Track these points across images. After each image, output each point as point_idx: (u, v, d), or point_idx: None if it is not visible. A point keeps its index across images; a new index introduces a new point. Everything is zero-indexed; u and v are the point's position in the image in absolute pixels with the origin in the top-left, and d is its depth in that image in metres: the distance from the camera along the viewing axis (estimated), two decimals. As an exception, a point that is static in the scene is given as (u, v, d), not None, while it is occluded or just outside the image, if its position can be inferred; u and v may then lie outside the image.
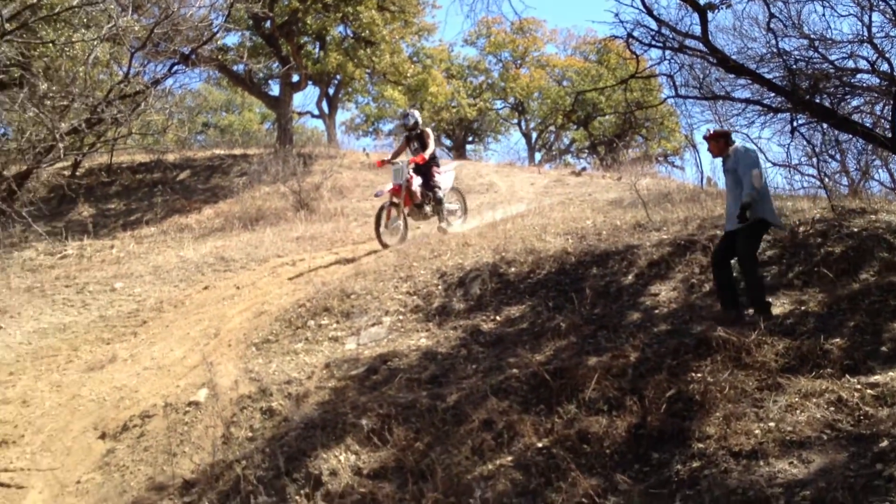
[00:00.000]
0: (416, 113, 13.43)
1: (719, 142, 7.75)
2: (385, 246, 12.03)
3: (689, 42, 9.04)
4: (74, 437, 8.27)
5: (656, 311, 7.78)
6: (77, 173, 20.23)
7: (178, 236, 16.12)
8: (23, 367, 10.06)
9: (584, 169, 23.53)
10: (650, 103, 23.54)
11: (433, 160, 13.21)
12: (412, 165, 12.78)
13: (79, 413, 8.70)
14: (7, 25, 7.67)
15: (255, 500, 6.33)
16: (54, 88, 8.87)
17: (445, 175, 13.40)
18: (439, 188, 12.94)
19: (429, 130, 13.43)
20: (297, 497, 6.34)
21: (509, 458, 6.13)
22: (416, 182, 12.71)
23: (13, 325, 11.72)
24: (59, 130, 7.62)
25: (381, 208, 12.46)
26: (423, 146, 13.12)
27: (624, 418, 6.21)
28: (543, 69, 35.81)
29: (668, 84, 9.58)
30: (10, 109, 7.99)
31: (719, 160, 7.77)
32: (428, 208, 12.95)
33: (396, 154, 13.54)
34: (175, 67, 12.19)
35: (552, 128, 36.81)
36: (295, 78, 23.86)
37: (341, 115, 35.03)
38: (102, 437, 8.20)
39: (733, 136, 7.79)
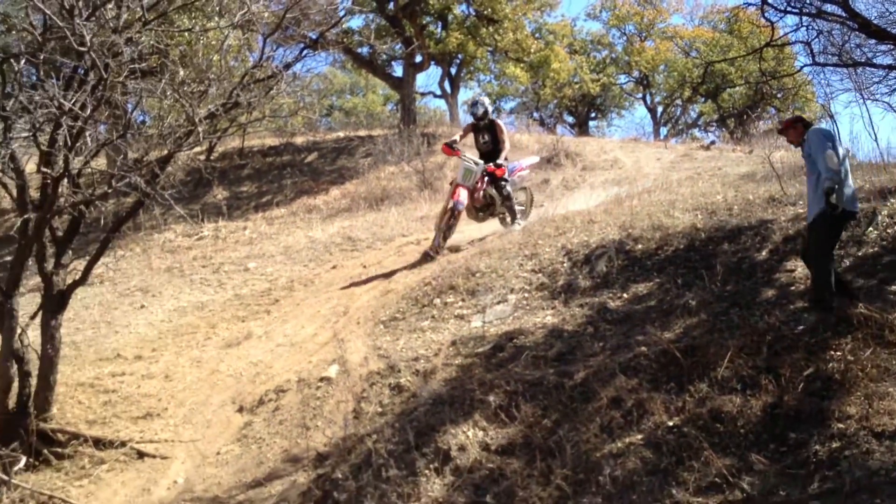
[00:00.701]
0: (486, 101, 12.55)
1: (797, 127, 7.26)
2: (435, 254, 11.36)
3: (827, 7, 8.60)
4: (214, 411, 8.65)
5: (792, 288, 7.48)
6: (211, 157, 21.06)
7: (306, 217, 16.57)
8: (165, 343, 10.59)
9: (712, 143, 22.82)
10: (784, 72, 22.55)
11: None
12: (486, 171, 11.83)
13: (217, 387, 9.09)
14: (147, 15, 8.01)
15: (386, 474, 6.47)
16: (191, 75, 9.22)
17: (521, 173, 12.74)
18: (507, 182, 12.11)
19: (501, 123, 12.58)
20: (427, 471, 6.45)
21: (639, 437, 6.05)
22: (484, 187, 11.90)
23: (155, 303, 12.35)
24: (198, 115, 7.91)
25: (446, 212, 11.61)
26: (495, 140, 12.24)
27: (759, 397, 6.03)
28: (670, 41, 34.82)
29: (804, 52, 9.14)
30: (152, 96, 8.34)
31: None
32: (482, 213, 12.19)
33: (461, 138, 12.58)
34: (304, 52, 12.48)
35: (679, 101, 35.81)
36: (418, 58, 24.03)
37: (463, 95, 35.19)
38: (240, 410, 8.55)
39: (808, 118, 7.33)
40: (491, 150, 12.24)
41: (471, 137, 12.66)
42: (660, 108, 37.09)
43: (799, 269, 7.70)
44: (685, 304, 7.59)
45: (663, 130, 35.61)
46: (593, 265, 8.90)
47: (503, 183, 12.00)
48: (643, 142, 24.09)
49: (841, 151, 6.92)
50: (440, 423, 6.83)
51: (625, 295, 8.21)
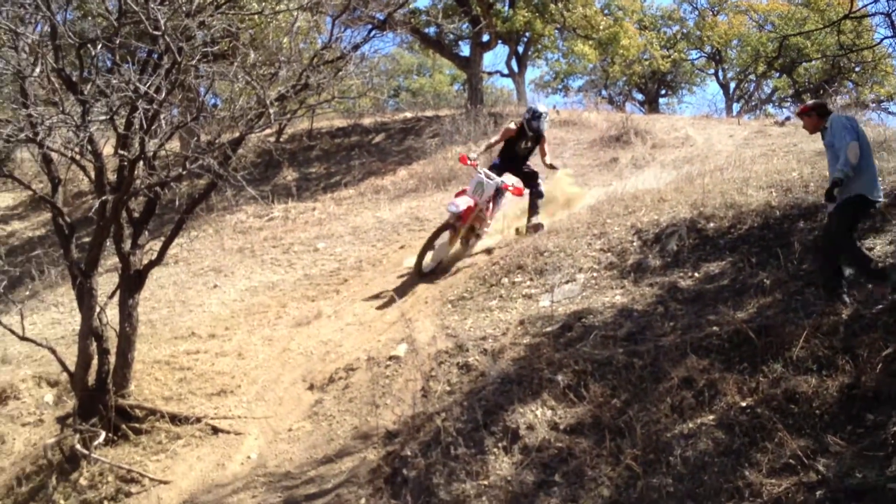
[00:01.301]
0: (546, 111, 11.65)
1: (812, 116, 7.07)
2: (419, 274, 10.75)
3: (909, -24, 8.28)
4: (285, 388, 8.81)
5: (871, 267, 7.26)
6: (281, 139, 21.33)
7: (374, 198, 16.67)
8: (237, 322, 10.81)
9: (787, 119, 22.17)
10: (863, 45, 21.81)
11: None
12: (502, 188, 10.88)
13: (289, 365, 9.26)
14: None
15: (455, 451, 6.51)
16: (261, 58, 9.34)
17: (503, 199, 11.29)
18: (540, 184, 11.45)
19: (546, 135, 11.72)
20: (496, 449, 6.47)
21: (711, 417, 5.97)
22: (490, 208, 10.99)
23: (227, 283, 12.60)
24: (269, 98, 8.02)
25: (441, 228, 10.82)
26: (533, 149, 11.59)
27: (835, 378, 5.89)
28: (743, 15, 33.94)
29: (884, 24, 8.83)
30: (224, 79, 8.47)
31: None
32: (461, 239, 10.97)
33: (495, 144, 11.76)
34: (371, 33, 12.51)
35: (752, 77, 34.93)
36: (485, 38, 23.89)
37: (531, 73, 34.85)
38: (310, 388, 8.70)
39: (829, 106, 7.07)
40: (525, 155, 11.64)
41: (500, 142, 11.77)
42: (732, 84, 36.23)
43: (878, 246, 7.48)
44: (759, 283, 7.43)
45: (736, 107, 34.78)
46: (664, 244, 8.77)
47: (539, 185, 11.43)
48: (715, 119, 23.56)
49: (862, 140, 6.75)
50: (508, 401, 6.83)
51: (696, 274, 8.07)
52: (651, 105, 35.40)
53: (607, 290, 8.41)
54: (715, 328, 6.85)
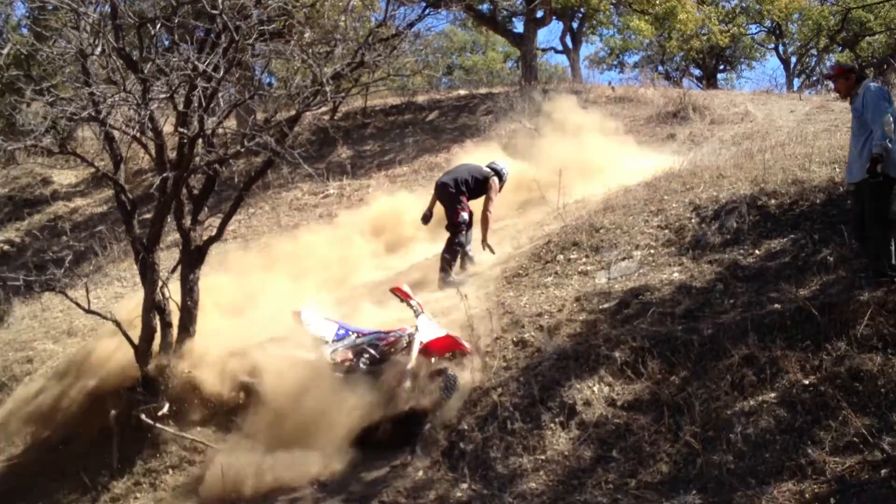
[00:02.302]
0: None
1: (849, 78, 6.78)
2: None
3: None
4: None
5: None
6: (335, 117, 21.42)
7: (428, 175, 16.64)
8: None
9: (850, 93, 21.60)
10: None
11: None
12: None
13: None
14: (274, -22, 8.19)
15: (512, 426, 6.55)
16: (317, 36, 9.40)
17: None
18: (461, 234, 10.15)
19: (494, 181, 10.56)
20: (552, 425, 6.48)
21: (772, 395, 5.90)
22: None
23: (285, 259, 12.70)
24: (324, 76, 8.06)
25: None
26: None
27: (902, 356, 5.77)
28: (805, -13, 33.10)
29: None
30: (280, 58, 8.55)
31: None
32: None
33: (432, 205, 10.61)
34: (426, 10, 12.47)
35: (814, 51, 34.08)
36: (539, 14, 23.65)
37: (585, 50, 34.22)
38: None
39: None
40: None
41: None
42: (793, 59, 35.38)
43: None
44: (822, 260, 7.28)
45: (797, 82, 33.98)
46: (723, 221, 8.62)
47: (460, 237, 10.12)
48: (775, 94, 23.01)
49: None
50: (565, 377, 6.83)
51: (757, 251, 7.93)
52: (709, 80, 34.70)
53: (665, 267, 8.32)
54: (777, 306, 6.74)
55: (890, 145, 6.37)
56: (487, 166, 10.73)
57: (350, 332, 8.18)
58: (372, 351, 7.90)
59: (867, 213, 6.61)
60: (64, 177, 19.54)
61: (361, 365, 7.74)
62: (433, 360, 7.78)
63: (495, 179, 10.56)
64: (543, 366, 7.09)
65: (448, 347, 7.85)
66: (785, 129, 14.56)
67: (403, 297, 8.12)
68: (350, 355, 7.85)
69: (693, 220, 8.92)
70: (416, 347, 7.63)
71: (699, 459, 5.67)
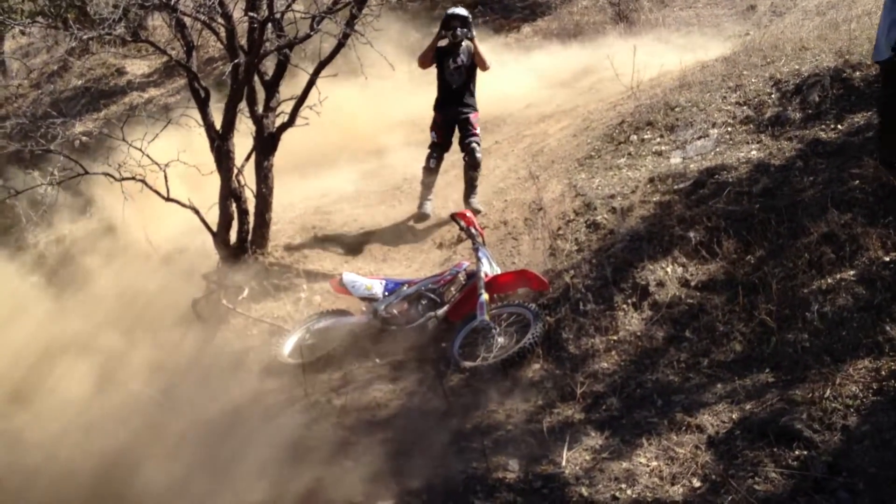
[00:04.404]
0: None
1: None
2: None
3: None
4: (410, 248, 9.06)
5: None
6: (403, -1, 21.01)
7: (498, 53, 16.35)
8: (367, 184, 10.99)
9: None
10: None
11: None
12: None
13: (415, 228, 9.44)
14: None
15: (584, 307, 6.59)
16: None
17: None
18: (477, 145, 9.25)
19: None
20: (625, 306, 6.51)
21: (851, 273, 5.79)
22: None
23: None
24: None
25: None
26: (471, 69, 9.37)
27: None
28: None
29: None
30: None
31: None
32: None
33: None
34: None
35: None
36: None
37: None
38: (439, 247, 8.94)
39: None
40: (464, 83, 9.40)
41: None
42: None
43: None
44: (908, 134, 6.99)
45: (888, -54, 31.94)
46: (805, 95, 8.30)
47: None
48: (864, -40, 21.72)
49: None
50: (638, 259, 6.81)
51: (840, 126, 7.65)
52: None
53: (742, 145, 8.10)
54: (858, 182, 6.54)
55: None
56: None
57: (400, 285, 7.69)
58: (431, 295, 7.46)
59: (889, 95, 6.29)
60: (137, 67, 19.72)
61: (420, 310, 7.34)
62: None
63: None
64: (616, 247, 7.07)
65: (519, 283, 7.23)
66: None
67: (467, 223, 7.54)
68: (406, 306, 7.42)
69: (773, 96, 8.61)
70: (481, 281, 7.04)
71: (773, 338, 5.65)
